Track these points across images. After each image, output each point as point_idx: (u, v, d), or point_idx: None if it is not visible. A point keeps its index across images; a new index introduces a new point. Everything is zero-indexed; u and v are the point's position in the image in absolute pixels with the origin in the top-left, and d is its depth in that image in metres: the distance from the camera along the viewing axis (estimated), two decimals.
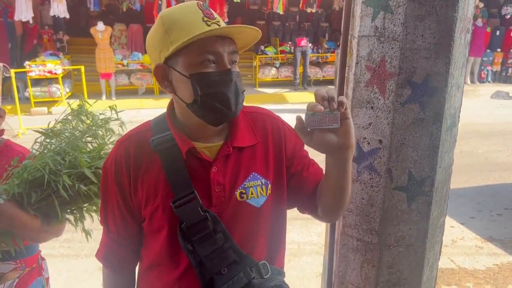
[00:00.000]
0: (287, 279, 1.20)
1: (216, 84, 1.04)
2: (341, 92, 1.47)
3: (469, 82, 12.10)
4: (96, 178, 1.36)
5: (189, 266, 1.10)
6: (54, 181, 1.32)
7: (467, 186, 5.34)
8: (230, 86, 1.05)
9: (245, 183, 1.13)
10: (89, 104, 1.54)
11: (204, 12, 1.04)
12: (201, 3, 1.07)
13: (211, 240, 1.08)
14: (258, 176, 1.15)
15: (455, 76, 1.31)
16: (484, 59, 12.18)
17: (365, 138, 1.36)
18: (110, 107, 1.50)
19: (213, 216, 1.09)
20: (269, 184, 1.16)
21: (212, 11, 1.08)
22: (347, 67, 1.43)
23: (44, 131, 1.44)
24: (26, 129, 7.46)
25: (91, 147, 1.47)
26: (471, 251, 3.87)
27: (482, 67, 12.32)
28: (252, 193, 1.13)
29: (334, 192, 1.14)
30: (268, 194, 1.16)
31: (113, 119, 1.50)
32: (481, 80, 12.38)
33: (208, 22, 1.03)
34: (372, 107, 1.33)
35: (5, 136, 1.63)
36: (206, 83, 1.03)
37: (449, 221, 4.40)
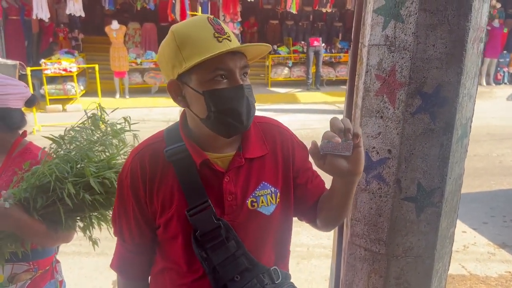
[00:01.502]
0: (295, 282, 1.23)
1: (229, 100, 1.06)
2: (350, 100, 1.46)
3: (484, 83, 11.92)
4: (102, 188, 1.37)
5: (205, 273, 1.13)
6: (60, 188, 1.33)
7: (480, 190, 5.26)
8: (242, 101, 1.07)
9: (255, 192, 1.16)
10: (106, 113, 1.54)
11: (215, 27, 1.06)
12: (212, 17, 1.09)
13: (224, 248, 1.11)
14: (268, 185, 1.18)
15: (467, 86, 1.29)
16: (501, 60, 11.99)
17: (374, 147, 1.35)
18: (124, 118, 1.51)
19: (225, 224, 1.12)
20: (278, 193, 1.20)
21: (223, 25, 1.09)
22: (357, 76, 1.42)
23: (55, 138, 1.46)
24: (41, 126, 7.57)
25: (104, 156, 1.48)
26: (483, 257, 3.81)
27: (498, 69, 12.13)
28: (262, 202, 1.17)
29: (336, 208, 1.19)
30: (277, 202, 1.19)
31: (126, 130, 1.50)
32: (497, 82, 12.19)
33: (219, 38, 1.05)
34: (381, 117, 1.32)
35: None
36: (219, 100, 1.05)
37: (461, 226, 4.34)
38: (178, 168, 1.13)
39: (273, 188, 1.18)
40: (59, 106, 9.16)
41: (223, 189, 1.13)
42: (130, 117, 1.50)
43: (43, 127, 7.50)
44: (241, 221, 1.14)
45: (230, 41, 1.07)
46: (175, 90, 1.11)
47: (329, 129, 1.03)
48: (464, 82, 1.26)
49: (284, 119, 8.36)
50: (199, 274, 1.15)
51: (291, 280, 1.23)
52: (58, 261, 1.81)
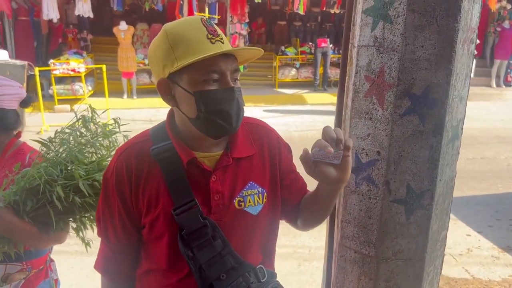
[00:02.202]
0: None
1: (220, 102, 1.06)
2: (340, 101, 1.45)
3: (494, 85, 11.79)
4: (92, 190, 1.38)
5: (190, 272, 1.13)
6: (50, 191, 1.34)
7: (486, 193, 5.20)
8: (232, 103, 1.07)
9: (243, 191, 1.17)
10: (97, 114, 1.55)
11: (208, 29, 1.07)
12: (205, 18, 1.09)
13: (210, 247, 1.11)
14: (255, 185, 1.19)
15: (457, 87, 1.27)
16: (511, 62, 11.83)
17: (363, 149, 1.34)
18: (114, 119, 1.51)
19: (212, 223, 1.12)
20: (265, 193, 1.20)
21: (216, 27, 1.10)
22: (347, 77, 1.41)
23: (43, 140, 1.46)
24: (49, 126, 7.64)
25: (95, 158, 1.48)
26: (487, 261, 3.77)
27: (509, 70, 11.97)
28: (249, 201, 1.17)
29: (319, 211, 1.22)
30: (264, 202, 1.20)
31: (117, 131, 1.51)
32: (507, 84, 12.03)
33: (212, 40, 1.06)
34: (370, 118, 1.31)
35: None
36: (210, 101, 1.06)
37: (465, 229, 4.30)
38: (165, 166, 1.12)
39: (260, 188, 1.19)
40: (67, 106, 9.24)
41: (210, 188, 1.13)
42: (120, 118, 1.50)
43: (51, 127, 7.57)
44: (227, 220, 1.15)
45: (223, 43, 1.07)
46: (165, 89, 1.12)
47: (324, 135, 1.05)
48: (454, 83, 1.25)
49: (291, 120, 8.34)
50: (184, 273, 1.15)
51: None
52: (52, 260, 1.82)
